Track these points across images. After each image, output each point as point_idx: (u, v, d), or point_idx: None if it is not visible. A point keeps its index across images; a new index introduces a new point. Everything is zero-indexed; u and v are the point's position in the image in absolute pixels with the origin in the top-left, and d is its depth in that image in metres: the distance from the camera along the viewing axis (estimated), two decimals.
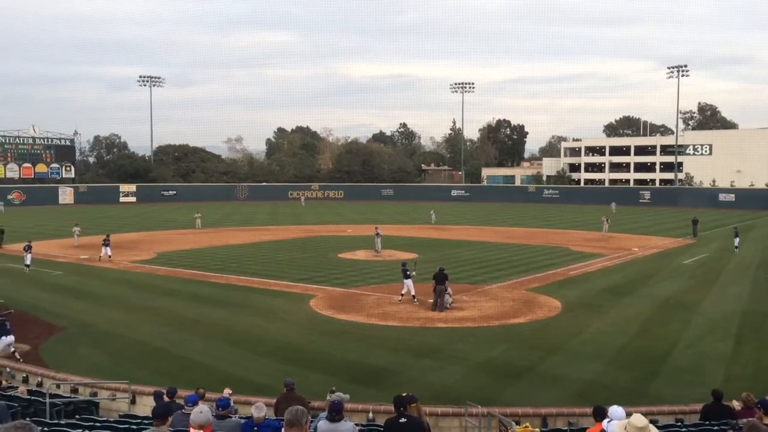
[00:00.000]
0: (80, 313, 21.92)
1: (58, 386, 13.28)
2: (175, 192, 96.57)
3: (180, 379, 13.45)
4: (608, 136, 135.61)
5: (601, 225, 48.90)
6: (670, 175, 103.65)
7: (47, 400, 11.45)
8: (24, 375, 14.26)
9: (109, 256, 34.19)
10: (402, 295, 23.44)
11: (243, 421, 8.73)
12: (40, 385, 13.46)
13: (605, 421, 8.41)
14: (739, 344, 17.96)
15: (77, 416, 11.17)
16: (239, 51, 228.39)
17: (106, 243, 34.84)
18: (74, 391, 13.17)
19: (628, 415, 8.74)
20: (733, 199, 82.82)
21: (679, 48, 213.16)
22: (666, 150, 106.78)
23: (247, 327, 20.00)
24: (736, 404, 10.03)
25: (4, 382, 13.36)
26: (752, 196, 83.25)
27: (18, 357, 16.28)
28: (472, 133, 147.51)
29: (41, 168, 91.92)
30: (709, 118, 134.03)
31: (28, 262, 31.06)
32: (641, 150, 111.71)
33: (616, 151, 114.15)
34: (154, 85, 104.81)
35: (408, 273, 23.31)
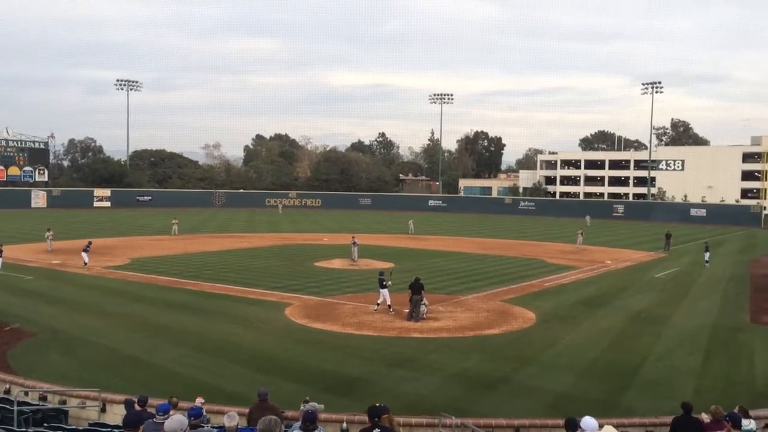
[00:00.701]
0: (51, 319, 21.56)
1: (26, 393, 13.04)
2: (150, 197, 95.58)
3: (152, 388, 13.28)
4: (584, 149, 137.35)
5: (575, 237, 49.42)
6: (643, 190, 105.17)
7: (15, 408, 11.24)
8: None
9: (85, 264, 33.59)
10: (378, 304, 23.43)
11: (215, 430, 8.67)
12: (7, 392, 13.19)
13: None
14: (708, 358, 18.26)
15: (45, 424, 10.99)
16: (220, 57, 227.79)
17: (86, 249, 34.26)
18: (43, 398, 12.93)
19: (600, 426, 8.86)
20: (704, 215, 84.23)
21: (656, 65, 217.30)
22: (639, 165, 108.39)
23: (221, 335, 19.84)
24: (705, 417, 10.17)
25: None
26: (723, 212, 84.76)
27: None
28: (450, 144, 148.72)
29: (14, 171, 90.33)
30: (681, 134, 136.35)
31: None
32: (615, 164, 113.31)
33: (591, 164, 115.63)
34: (131, 89, 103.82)
35: (384, 283, 23.29)
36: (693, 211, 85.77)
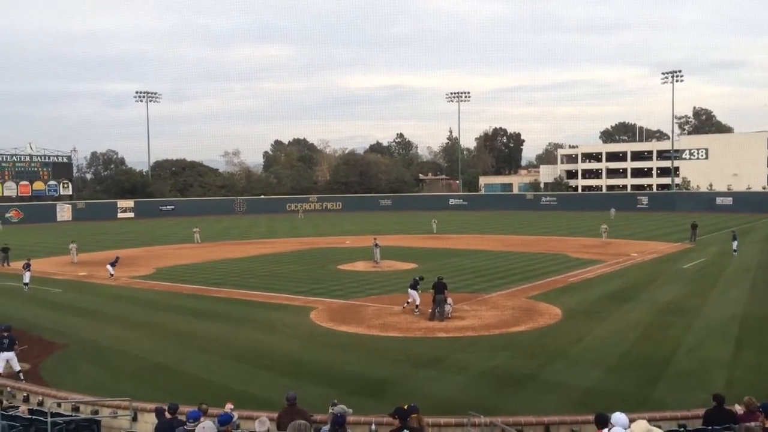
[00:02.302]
0: (80, 331, 21.86)
1: (59, 405, 13.22)
2: (173, 207, 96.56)
3: (181, 395, 13.40)
4: (605, 142, 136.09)
5: (600, 232, 48.91)
6: (667, 180, 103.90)
7: (48, 419, 11.40)
8: (25, 394, 14.19)
9: (111, 275, 34.00)
10: (407, 302, 23.51)
11: None
12: (41, 404, 13.39)
13: (607, 428, 8.41)
14: (740, 348, 17.96)
15: None
16: (236, 65, 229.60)
17: (113, 264, 34.68)
18: (75, 409, 13.11)
19: (631, 421, 8.76)
20: (731, 203, 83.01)
21: (673, 54, 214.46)
22: (662, 155, 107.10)
23: (247, 341, 19.97)
24: (739, 408, 10.02)
25: (5, 402, 13.32)
26: (749, 200, 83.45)
27: (22, 377, 16.22)
28: (468, 141, 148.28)
29: (39, 185, 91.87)
30: (704, 123, 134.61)
31: (26, 281, 30.97)
32: (638, 155, 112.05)
33: (612, 157, 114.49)
34: (150, 101, 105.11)
35: (417, 286, 23.50)
36: (719, 200, 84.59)
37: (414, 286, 23.60)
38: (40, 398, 13.68)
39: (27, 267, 31.42)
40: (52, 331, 21.70)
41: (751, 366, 16.37)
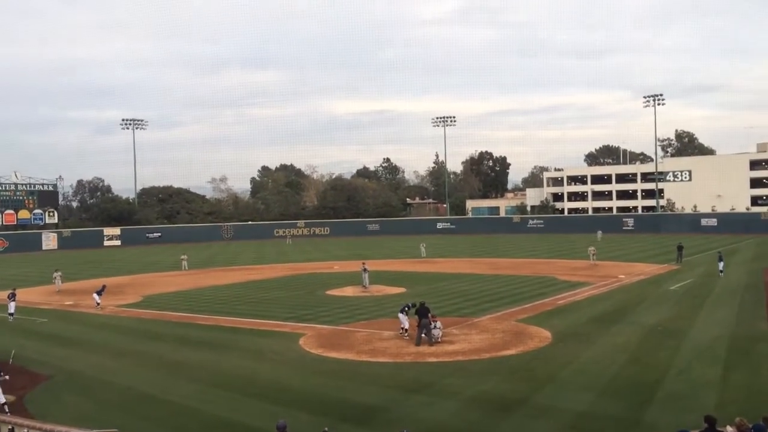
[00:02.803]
0: (66, 361, 21.58)
1: None
2: (159, 234, 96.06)
3: (169, 425, 13.26)
4: (589, 165, 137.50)
5: (588, 254, 49.09)
6: (651, 202, 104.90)
7: None
8: (10, 427, 13.93)
9: (98, 304, 33.54)
10: (402, 329, 23.45)
11: None
12: None
13: None
14: (729, 369, 18.02)
15: None
16: (222, 91, 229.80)
17: (99, 292, 34.15)
18: None
19: None
20: (716, 224, 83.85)
21: (655, 77, 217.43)
22: (647, 177, 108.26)
23: (236, 368, 19.78)
24: (730, 430, 10.05)
25: None
26: (734, 220, 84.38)
27: (7, 410, 15.94)
28: (455, 165, 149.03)
29: (24, 214, 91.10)
30: (686, 145, 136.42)
31: (11, 311, 30.56)
32: (622, 178, 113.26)
33: (597, 179, 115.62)
34: (137, 128, 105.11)
35: (406, 312, 23.52)
36: (703, 221, 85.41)
37: (403, 311, 23.70)
38: (26, 431, 13.44)
39: (12, 297, 31.04)
40: (37, 362, 21.38)
41: (741, 387, 16.41)
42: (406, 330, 23.19)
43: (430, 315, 22.17)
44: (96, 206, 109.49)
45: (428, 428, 13.65)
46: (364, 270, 38.24)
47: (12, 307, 30.68)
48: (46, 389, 18.41)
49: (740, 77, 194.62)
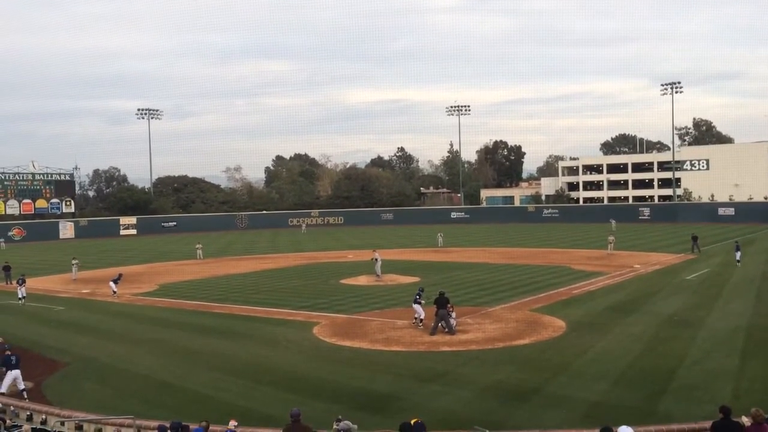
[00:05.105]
0: (83, 348, 21.83)
1: (62, 423, 13.19)
2: (175, 223, 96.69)
3: (184, 412, 13.37)
4: (605, 154, 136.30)
5: (606, 244, 48.74)
6: (668, 191, 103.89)
7: None
8: (28, 413, 14.15)
9: (114, 292, 33.85)
10: (418, 319, 23.38)
11: None
12: (44, 422, 13.35)
13: None
14: (745, 359, 17.86)
15: None
16: (237, 81, 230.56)
17: (116, 280, 34.44)
18: (79, 428, 13.06)
19: None
20: (733, 213, 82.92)
21: (672, 65, 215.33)
22: (663, 166, 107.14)
23: (250, 357, 19.91)
24: (746, 420, 9.96)
25: (8, 421, 13.27)
26: (752, 210, 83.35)
27: (26, 396, 16.18)
28: (469, 155, 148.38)
29: (41, 203, 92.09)
30: (704, 134, 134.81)
31: (21, 296, 30.99)
32: (638, 167, 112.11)
33: (613, 168, 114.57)
34: (152, 118, 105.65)
35: (420, 300, 23.46)
36: (721, 211, 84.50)
37: (417, 301, 23.58)
38: (44, 417, 13.64)
39: (21, 282, 31.52)
40: (54, 349, 21.68)
41: (757, 377, 16.27)
42: (422, 320, 23.17)
43: (448, 305, 22.15)
44: (112, 196, 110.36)
45: (442, 417, 13.66)
46: (375, 259, 37.88)
47: (21, 291, 31.09)
48: (63, 376, 18.65)
49: (759, 65, 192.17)
